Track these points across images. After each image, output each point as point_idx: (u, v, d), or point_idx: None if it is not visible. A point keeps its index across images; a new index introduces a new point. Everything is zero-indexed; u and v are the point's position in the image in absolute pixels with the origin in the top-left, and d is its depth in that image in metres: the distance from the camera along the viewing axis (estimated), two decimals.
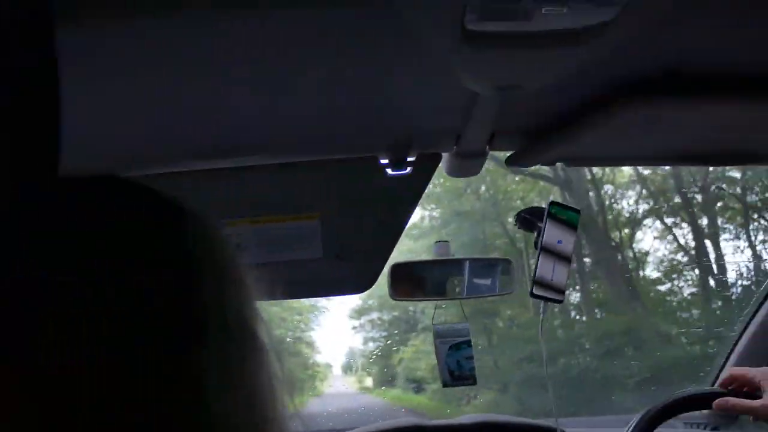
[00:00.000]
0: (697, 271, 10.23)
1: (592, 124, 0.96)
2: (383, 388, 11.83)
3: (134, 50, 0.73)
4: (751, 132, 1.05)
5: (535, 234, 1.30)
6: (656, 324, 9.58)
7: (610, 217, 10.81)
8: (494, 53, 0.71)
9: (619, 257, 10.70)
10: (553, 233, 1.27)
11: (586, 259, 10.49)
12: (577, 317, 10.82)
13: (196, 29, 0.70)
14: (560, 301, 1.30)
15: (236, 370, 0.46)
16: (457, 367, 1.51)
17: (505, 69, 0.77)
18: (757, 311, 1.82)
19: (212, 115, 0.93)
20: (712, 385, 1.91)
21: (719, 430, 1.78)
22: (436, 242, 1.55)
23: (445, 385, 1.52)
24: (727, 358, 1.89)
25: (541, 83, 0.81)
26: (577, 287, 10.40)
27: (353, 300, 12.94)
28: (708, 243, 9.94)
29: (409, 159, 1.08)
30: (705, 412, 1.78)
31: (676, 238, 10.42)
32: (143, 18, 0.66)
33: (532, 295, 1.28)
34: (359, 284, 1.34)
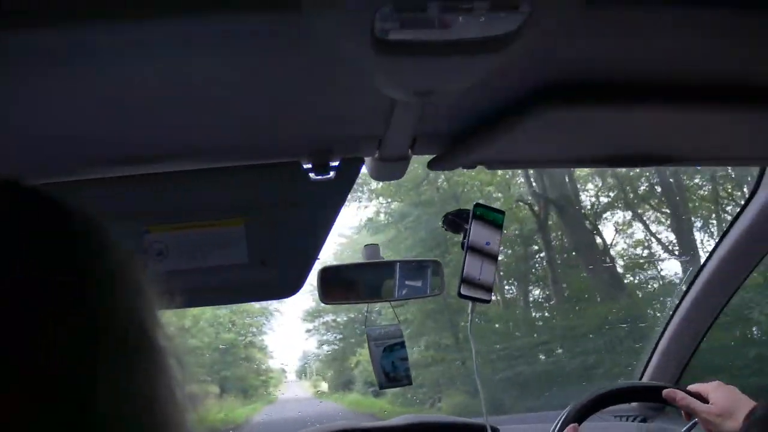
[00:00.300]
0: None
1: (508, 128, 0.98)
2: (340, 392, 11.69)
3: (46, 57, 0.71)
4: (659, 135, 1.09)
5: (462, 235, 1.32)
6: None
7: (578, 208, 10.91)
8: (406, 60, 0.72)
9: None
10: (479, 234, 1.29)
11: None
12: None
13: (111, 36, 0.69)
14: (488, 301, 1.32)
15: (133, 375, 0.46)
16: (392, 369, 1.52)
17: (419, 75, 0.78)
18: (678, 306, 1.89)
19: (131, 121, 0.92)
20: (640, 378, 1.99)
21: (647, 421, 1.85)
22: (366, 245, 1.55)
23: (381, 387, 1.53)
24: (653, 353, 1.96)
25: (456, 89, 0.82)
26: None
27: (306, 302, 12.78)
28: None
29: (332, 164, 1.08)
30: (634, 405, 1.85)
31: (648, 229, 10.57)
32: (52, 24, 0.65)
33: (460, 295, 1.29)
34: (285, 289, 1.34)
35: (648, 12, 0.73)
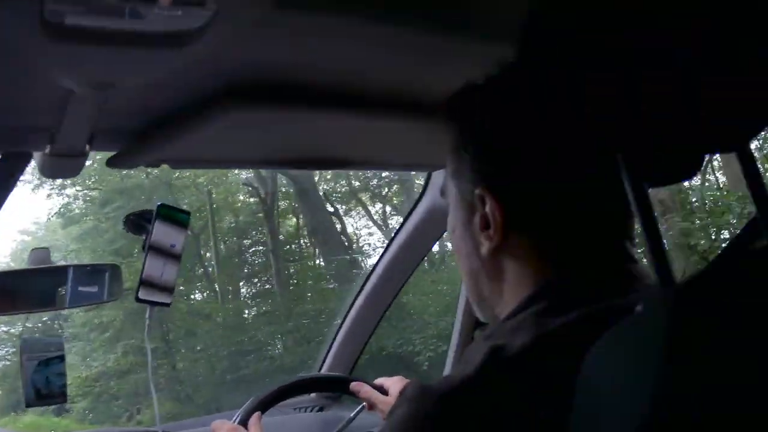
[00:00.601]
0: None
1: (191, 126, 0.98)
2: (11, 414, 10.16)
3: None
4: (338, 139, 1.17)
5: (144, 236, 1.27)
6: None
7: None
8: (80, 49, 0.68)
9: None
10: (163, 235, 1.26)
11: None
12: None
13: None
14: (167, 304, 1.28)
15: None
16: (45, 385, 1.38)
17: (94, 66, 0.74)
18: (354, 300, 2.02)
19: None
20: (320, 369, 2.08)
21: (324, 410, 1.94)
22: (33, 250, 1.41)
23: (28, 405, 1.38)
24: (331, 345, 2.07)
25: (137, 83, 0.80)
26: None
27: None
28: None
29: None
30: (313, 396, 1.93)
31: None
32: None
33: (138, 299, 1.24)
34: None
35: (331, 22, 0.78)
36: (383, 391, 1.43)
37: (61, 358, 1.39)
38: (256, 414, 1.32)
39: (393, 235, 1.91)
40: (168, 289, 1.27)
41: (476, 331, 0.82)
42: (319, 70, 0.94)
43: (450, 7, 0.80)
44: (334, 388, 1.58)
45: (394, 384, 1.43)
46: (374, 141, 1.23)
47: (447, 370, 1.96)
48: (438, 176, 1.68)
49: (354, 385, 1.44)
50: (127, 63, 0.76)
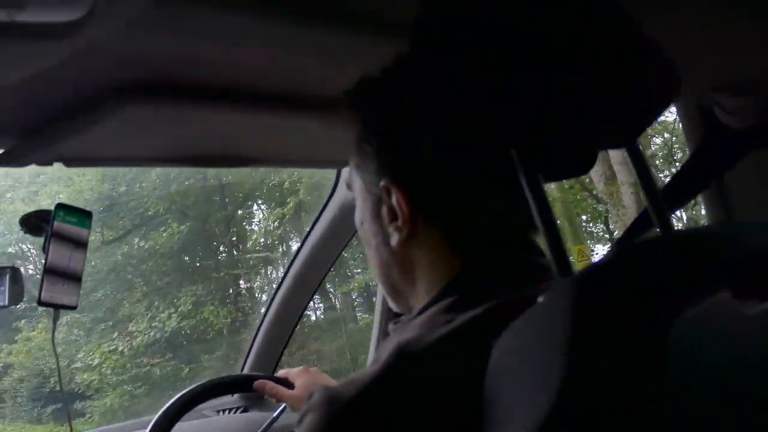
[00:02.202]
0: None
1: (85, 123, 0.94)
2: None
3: None
4: (240, 136, 1.14)
5: (44, 238, 1.22)
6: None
7: None
8: None
9: None
10: (63, 235, 1.21)
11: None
12: None
13: None
14: (74, 307, 1.24)
15: None
16: None
17: None
18: (272, 300, 2.00)
19: None
20: (241, 370, 2.05)
21: (248, 411, 1.91)
22: None
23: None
24: (252, 344, 2.04)
25: (18, 77, 0.75)
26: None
27: None
28: None
29: None
30: (236, 396, 1.90)
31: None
32: None
33: (40, 303, 1.19)
34: None
35: (216, 18, 0.76)
36: (288, 383, 1.43)
37: None
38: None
39: (306, 233, 1.91)
40: (74, 290, 1.22)
41: (389, 324, 0.81)
42: (213, 66, 0.92)
43: (342, 3, 0.79)
44: (239, 388, 1.55)
45: (298, 375, 1.43)
46: (278, 138, 1.21)
47: (368, 363, 1.95)
48: (347, 173, 1.67)
49: (257, 384, 1.43)
50: (7, 56, 0.71)
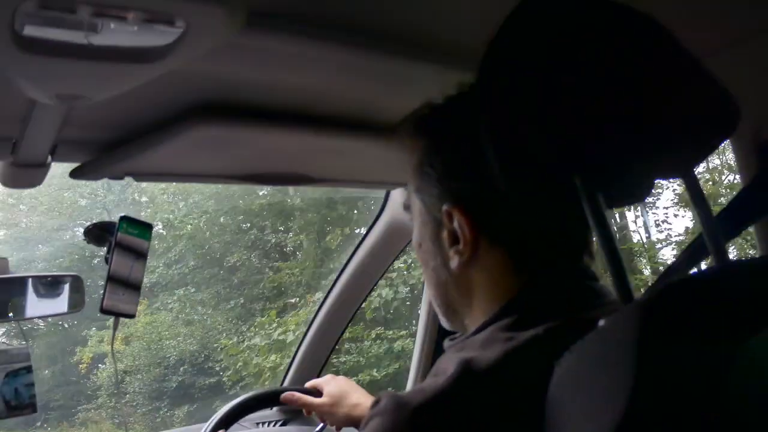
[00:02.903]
0: None
1: (157, 140, 0.98)
2: None
3: None
4: (302, 157, 1.18)
5: (106, 249, 1.27)
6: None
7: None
8: (50, 61, 0.68)
9: None
10: (125, 247, 1.25)
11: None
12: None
13: None
14: (132, 316, 1.28)
15: None
16: (14, 396, 1.37)
17: (63, 78, 0.74)
18: (316, 314, 2.03)
19: None
20: (281, 383, 2.08)
21: (288, 424, 1.93)
22: None
23: (0, 416, 1.36)
24: (292, 361, 2.07)
25: (105, 96, 0.80)
26: None
27: None
28: None
29: None
30: (275, 410, 1.93)
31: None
32: None
33: (102, 311, 1.24)
34: None
35: (298, 46, 0.80)
36: (317, 393, 1.45)
37: (29, 369, 1.37)
38: None
39: (353, 251, 1.94)
40: (132, 302, 1.27)
41: (445, 341, 0.83)
42: (284, 90, 0.96)
43: (411, 34, 0.82)
44: (269, 403, 1.56)
45: (327, 384, 1.45)
46: (336, 160, 1.25)
47: (411, 377, 1.97)
48: (396, 194, 1.71)
49: (285, 397, 1.45)
50: (94, 77, 0.76)
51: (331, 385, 1.45)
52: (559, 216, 0.76)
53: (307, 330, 2.04)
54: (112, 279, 1.24)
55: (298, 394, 1.45)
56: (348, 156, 1.22)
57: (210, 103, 0.95)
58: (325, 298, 2.00)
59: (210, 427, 1.36)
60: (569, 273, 0.78)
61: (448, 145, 0.80)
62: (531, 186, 0.74)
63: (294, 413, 1.97)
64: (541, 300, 0.75)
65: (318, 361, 2.05)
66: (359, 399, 1.39)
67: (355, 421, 1.37)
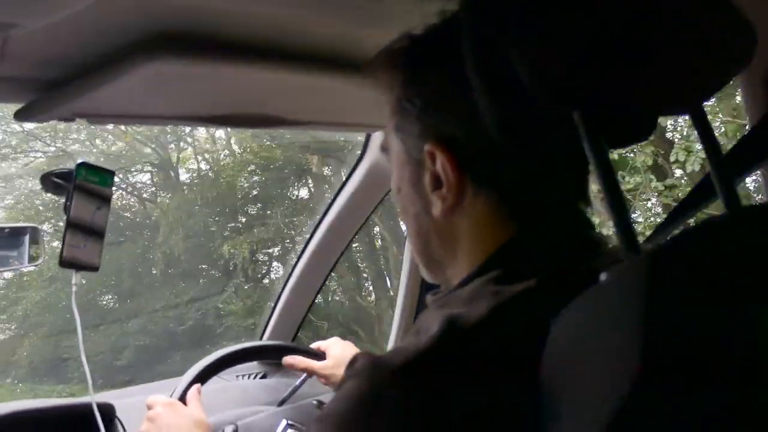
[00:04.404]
0: None
1: (110, 77, 0.89)
2: None
3: None
4: (271, 96, 1.10)
5: (65, 197, 1.19)
6: None
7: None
8: None
9: None
10: (85, 195, 1.17)
11: None
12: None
13: None
14: (96, 268, 1.21)
15: None
16: None
17: None
18: (294, 267, 1.97)
19: None
20: (261, 337, 2.03)
21: (267, 377, 1.90)
22: None
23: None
24: (270, 317, 2.02)
25: (40, 23, 0.70)
26: None
27: None
28: None
29: None
30: (254, 363, 1.89)
31: None
32: None
33: (62, 263, 1.16)
34: None
35: None
36: (321, 355, 1.43)
37: None
38: (195, 387, 1.29)
39: (331, 199, 1.86)
40: (95, 253, 1.19)
41: (427, 295, 0.77)
42: (251, 21, 0.87)
43: None
44: (269, 356, 1.58)
45: (332, 346, 1.44)
46: (309, 99, 1.17)
47: (393, 333, 1.93)
48: (377, 137, 1.63)
49: (286, 361, 1.44)
50: (27, 2, 0.67)
51: (336, 347, 1.44)
52: (554, 157, 0.69)
53: (285, 284, 1.98)
54: (72, 226, 1.16)
55: (299, 359, 1.43)
56: (322, 95, 1.13)
57: (167, 34, 0.85)
58: (303, 249, 1.93)
59: (189, 381, 1.31)
60: (563, 220, 0.72)
61: (429, 78, 0.72)
62: (524, 123, 0.66)
63: (272, 366, 1.94)
64: (533, 250, 0.69)
65: (296, 316, 2.00)
66: None
67: None
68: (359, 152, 1.74)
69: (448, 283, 0.76)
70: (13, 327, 9.60)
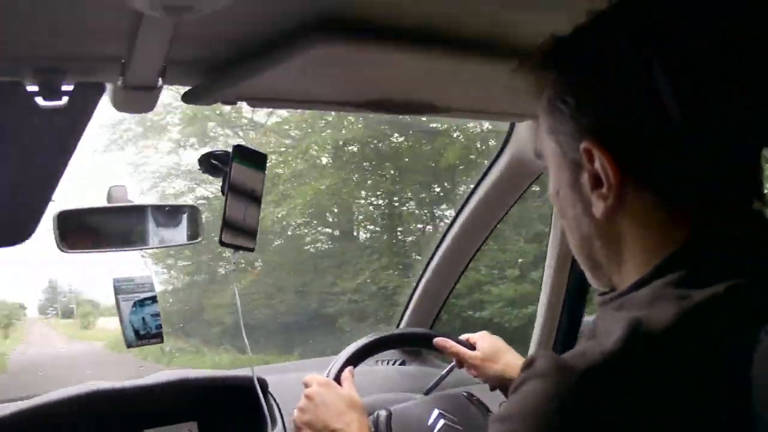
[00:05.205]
0: None
1: (274, 61, 0.90)
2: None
3: None
4: (425, 83, 1.08)
5: (222, 179, 1.23)
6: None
7: None
8: None
9: None
10: (241, 177, 1.21)
11: None
12: None
13: None
14: (252, 249, 1.25)
15: None
16: (142, 326, 1.39)
17: None
18: (432, 257, 1.95)
19: None
20: (397, 326, 2.04)
21: (406, 365, 1.91)
22: (112, 186, 1.39)
23: (129, 345, 1.40)
24: (408, 302, 2.01)
25: (215, 7, 0.72)
26: None
27: None
28: None
29: (64, 88, 0.92)
30: (393, 350, 1.90)
31: None
32: None
33: (222, 243, 1.21)
34: (14, 235, 1.14)
35: None
36: (470, 346, 1.43)
37: (154, 299, 1.39)
38: (349, 369, 1.31)
39: (472, 188, 1.82)
40: (251, 233, 1.24)
41: (597, 296, 0.74)
42: (412, 6, 0.85)
43: None
44: (421, 343, 1.58)
45: (481, 339, 1.44)
46: (459, 86, 1.14)
47: (536, 334, 1.88)
48: (522, 127, 1.58)
49: (439, 341, 1.46)
50: None
51: (485, 340, 1.44)
52: (727, 150, 0.65)
53: (424, 271, 1.97)
54: (228, 223, 1.20)
55: (451, 342, 1.45)
56: (473, 82, 1.10)
57: (332, 18, 0.85)
58: (443, 238, 1.91)
59: (343, 361, 1.34)
60: (743, 220, 0.66)
61: (580, 76, 0.69)
62: (692, 112, 0.63)
63: (412, 355, 1.94)
64: (715, 252, 0.64)
65: (435, 304, 1.98)
66: (514, 360, 1.38)
67: (505, 381, 1.35)
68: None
69: (611, 287, 0.74)
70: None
